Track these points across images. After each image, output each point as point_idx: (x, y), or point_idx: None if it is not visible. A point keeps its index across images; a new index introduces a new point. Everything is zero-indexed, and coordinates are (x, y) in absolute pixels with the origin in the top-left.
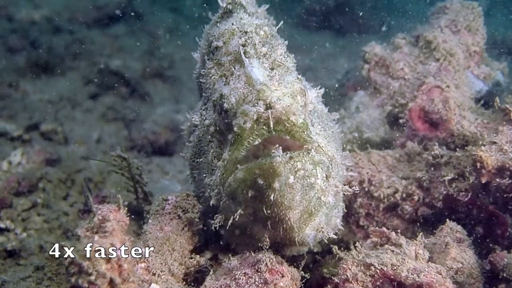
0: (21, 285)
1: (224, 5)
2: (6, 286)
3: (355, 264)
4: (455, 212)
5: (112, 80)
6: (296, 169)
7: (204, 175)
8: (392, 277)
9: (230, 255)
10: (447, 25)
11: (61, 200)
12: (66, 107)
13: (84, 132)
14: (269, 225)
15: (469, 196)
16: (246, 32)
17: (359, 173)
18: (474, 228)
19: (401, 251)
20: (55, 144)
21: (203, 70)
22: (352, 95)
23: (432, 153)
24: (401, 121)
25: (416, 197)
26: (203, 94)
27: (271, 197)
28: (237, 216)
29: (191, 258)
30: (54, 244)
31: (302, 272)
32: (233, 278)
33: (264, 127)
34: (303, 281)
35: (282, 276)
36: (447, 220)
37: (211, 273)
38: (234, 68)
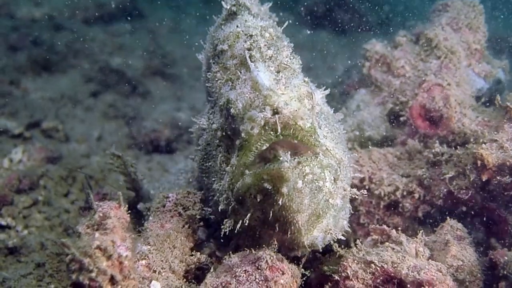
0: (22, 282)
1: (228, 7)
2: (7, 283)
3: (355, 261)
4: (456, 209)
5: (113, 78)
6: (304, 174)
7: (213, 179)
8: (392, 274)
9: (230, 252)
10: (448, 23)
11: (62, 197)
12: (67, 105)
13: (85, 130)
14: (277, 228)
15: (469, 194)
16: (251, 36)
17: (360, 171)
18: (475, 226)
19: (401, 249)
20: (56, 142)
21: (209, 73)
22: (353, 94)
23: (433, 151)
24: (402, 119)
25: (416, 195)
26: (210, 98)
27: (279, 202)
28: (246, 221)
29: (192, 255)
30: (55, 242)
31: (302, 270)
32: (233, 275)
33: (272, 132)
34: (304, 278)
35: (283, 274)
36: (448, 217)
37: (211, 270)
38: (240, 72)
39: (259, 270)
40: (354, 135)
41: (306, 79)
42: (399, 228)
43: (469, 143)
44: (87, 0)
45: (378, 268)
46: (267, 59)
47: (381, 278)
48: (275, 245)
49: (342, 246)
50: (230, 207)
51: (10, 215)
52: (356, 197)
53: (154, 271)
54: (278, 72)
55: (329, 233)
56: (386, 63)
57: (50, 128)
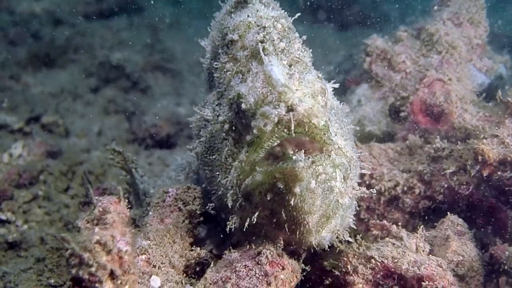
0: (22, 276)
1: None
2: (7, 277)
3: (355, 257)
4: (456, 205)
5: (113, 73)
6: (318, 174)
7: (218, 173)
8: (392, 269)
9: (230, 247)
10: (449, 18)
11: (62, 192)
12: (67, 100)
13: (85, 125)
14: (286, 229)
15: (470, 189)
16: (264, 27)
17: (360, 167)
18: (475, 221)
19: (401, 244)
20: (56, 136)
21: (216, 63)
22: (354, 89)
23: (434, 146)
24: (402, 114)
25: (417, 190)
26: (217, 89)
27: (291, 202)
28: (254, 219)
29: (192, 250)
30: (54, 236)
31: (302, 265)
32: (233, 270)
33: (285, 129)
34: (304, 273)
35: (283, 269)
36: (448, 213)
37: (211, 265)
38: (251, 65)
39: (259, 265)
40: (355, 130)
41: (320, 74)
42: (400, 224)
43: (470, 138)
44: None
45: (379, 263)
46: (280, 52)
47: (381, 273)
48: (281, 244)
49: (342, 242)
50: (237, 203)
51: (10, 209)
52: (366, 195)
53: (154, 266)
54: (290, 66)
55: (336, 234)
56: (387, 58)
57: (50, 123)
